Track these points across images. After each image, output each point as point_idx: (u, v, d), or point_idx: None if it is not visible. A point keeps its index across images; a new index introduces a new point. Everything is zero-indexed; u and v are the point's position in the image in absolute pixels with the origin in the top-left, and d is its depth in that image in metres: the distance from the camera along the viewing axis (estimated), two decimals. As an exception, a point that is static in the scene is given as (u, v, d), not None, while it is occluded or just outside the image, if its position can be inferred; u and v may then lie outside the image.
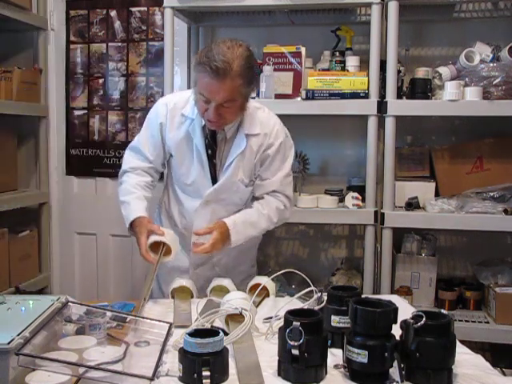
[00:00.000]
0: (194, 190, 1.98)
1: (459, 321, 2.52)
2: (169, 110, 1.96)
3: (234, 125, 1.91)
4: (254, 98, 2.57)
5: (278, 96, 2.57)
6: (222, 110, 1.77)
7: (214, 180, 1.96)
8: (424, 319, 1.17)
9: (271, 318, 1.51)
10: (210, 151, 1.94)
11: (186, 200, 2.02)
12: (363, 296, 1.37)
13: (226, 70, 1.69)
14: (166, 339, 1.36)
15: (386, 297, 1.62)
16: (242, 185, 1.96)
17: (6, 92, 2.77)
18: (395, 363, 1.16)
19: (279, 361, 1.25)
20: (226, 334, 1.33)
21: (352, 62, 2.63)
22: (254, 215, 1.95)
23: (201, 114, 1.84)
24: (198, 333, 1.22)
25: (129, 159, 2.05)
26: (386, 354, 1.16)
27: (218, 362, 1.18)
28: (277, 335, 1.27)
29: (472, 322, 2.53)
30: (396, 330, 1.21)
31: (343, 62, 2.65)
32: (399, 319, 1.21)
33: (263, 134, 1.94)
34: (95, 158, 3.16)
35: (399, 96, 2.52)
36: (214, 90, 1.72)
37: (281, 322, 1.30)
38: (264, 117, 1.97)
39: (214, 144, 1.93)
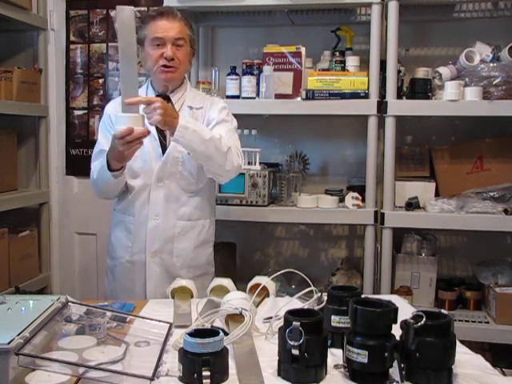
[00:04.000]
0: (147, 170, 1.99)
1: (459, 321, 2.52)
2: (117, 104, 2.05)
3: (180, 97, 2.05)
4: (253, 98, 2.58)
5: (278, 96, 2.58)
6: (175, 50, 1.95)
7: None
8: (424, 319, 1.17)
9: (271, 318, 1.51)
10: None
11: (138, 184, 2.01)
12: (363, 296, 1.37)
13: (171, 12, 2.00)
14: (166, 339, 1.36)
15: (386, 297, 1.62)
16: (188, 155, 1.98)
17: (6, 92, 2.77)
18: (395, 363, 1.16)
19: (279, 361, 1.24)
20: (226, 333, 1.33)
21: (352, 62, 2.63)
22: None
23: (154, 64, 1.96)
24: (197, 333, 1.21)
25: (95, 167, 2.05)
26: (386, 354, 1.16)
27: (217, 361, 1.18)
28: (277, 335, 1.27)
29: (472, 321, 2.53)
30: (396, 330, 1.21)
31: (343, 62, 2.65)
32: (399, 319, 1.21)
33: (206, 107, 2.06)
34: (95, 157, 3.16)
35: (399, 96, 2.52)
36: (167, 28, 1.95)
37: (281, 322, 1.30)
38: (206, 96, 2.17)
39: None
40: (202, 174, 2.03)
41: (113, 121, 1.91)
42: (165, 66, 1.95)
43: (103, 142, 2.05)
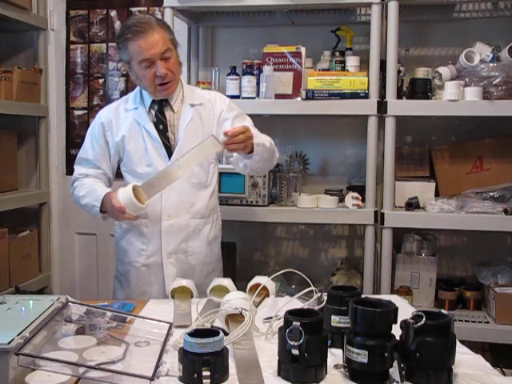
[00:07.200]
0: (153, 173, 1.96)
1: (459, 321, 2.52)
2: (112, 111, 2.06)
3: (177, 96, 2.03)
4: (253, 98, 2.58)
5: (278, 96, 2.58)
6: (166, 63, 1.91)
7: (171, 156, 1.99)
8: (424, 319, 1.17)
9: (271, 317, 1.51)
10: (161, 126, 2.00)
11: None
12: (363, 296, 1.37)
13: (146, 27, 1.88)
14: (166, 339, 1.36)
15: (386, 297, 1.62)
16: None
17: (6, 92, 2.77)
18: (395, 363, 1.16)
19: (279, 361, 1.24)
20: (226, 333, 1.33)
21: (352, 61, 2.63)
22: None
23: (150, 84, 1.94)
24: (197, 333, 1.21)
25: (77, 171, 2.08)
26: (386, 354, 1.16)
27: (218, 361, 1.18)
28: (277, 335, 1.27)
29: (472, 321, 2.53)
30: (396, 330, 1.21)
31: (343, 62, 2.65)
32: (399, 319, 1.21)
33: (207, 103, 2.05)
34: (95, 158, 3.16)
35: (399, 96, 2.52)
36: (150, 46, 1.88)
37: (281, 322, 1.30)
38: (202, 91, 2.16)
39: (163, 118, 2.01)
40: (211, 167, 2.05)
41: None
42: (161, 83, 1.93)
43: (89, 151, 2.06)
